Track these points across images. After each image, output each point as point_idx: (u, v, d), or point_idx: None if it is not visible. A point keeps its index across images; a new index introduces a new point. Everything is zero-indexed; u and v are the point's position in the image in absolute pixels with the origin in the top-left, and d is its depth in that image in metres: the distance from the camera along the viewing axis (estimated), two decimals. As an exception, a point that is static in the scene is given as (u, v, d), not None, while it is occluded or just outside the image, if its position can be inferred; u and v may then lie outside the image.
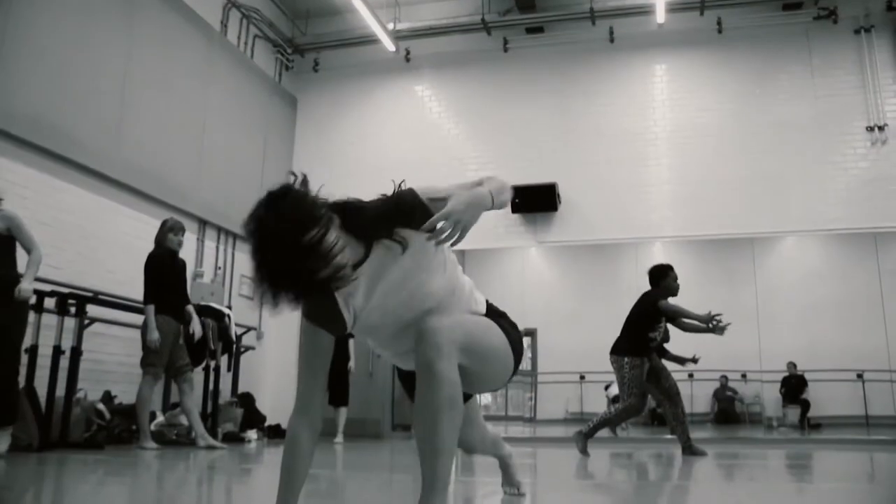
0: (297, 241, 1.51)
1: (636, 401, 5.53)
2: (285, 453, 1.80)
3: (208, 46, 8.08)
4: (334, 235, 1.58)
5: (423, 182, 1.83)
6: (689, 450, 5.46)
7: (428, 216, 1.70)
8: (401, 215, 1.76)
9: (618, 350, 5.63)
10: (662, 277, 5.74)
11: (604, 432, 6.21)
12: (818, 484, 3.98)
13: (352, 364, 7.30)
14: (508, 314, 2.07)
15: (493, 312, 2.04)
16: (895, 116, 8.10)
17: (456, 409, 1.69)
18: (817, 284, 13.32)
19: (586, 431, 5.55)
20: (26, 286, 4.47)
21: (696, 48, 8.91)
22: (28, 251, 4.55)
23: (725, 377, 13.03)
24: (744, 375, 13.23)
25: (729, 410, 13.22)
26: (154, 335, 5.39)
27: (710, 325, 5.45)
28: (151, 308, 5.45)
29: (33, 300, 4.80)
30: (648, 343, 5.60)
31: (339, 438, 7.17)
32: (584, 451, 5.47)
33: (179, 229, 5.76)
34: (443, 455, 1.69)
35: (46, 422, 4.95)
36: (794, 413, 11.99)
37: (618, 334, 5.75)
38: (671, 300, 5.66)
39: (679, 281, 5.80)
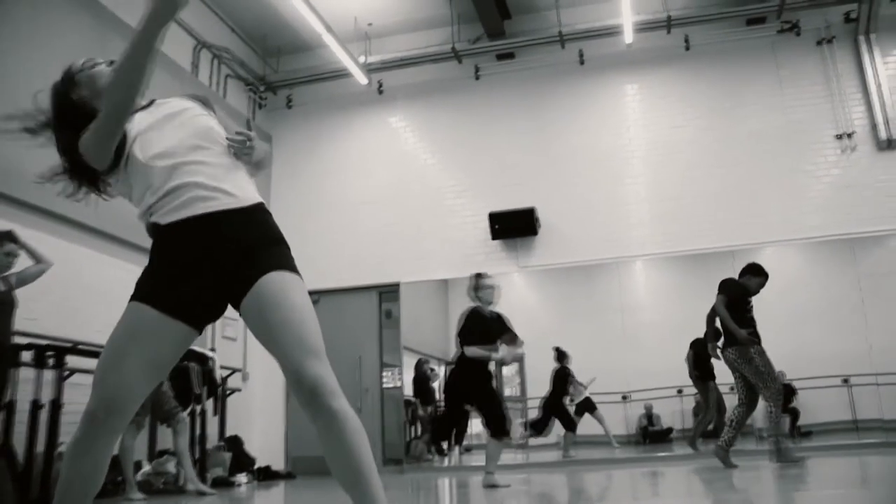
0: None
1: (778, 383, 5.47)
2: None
3: (180, 88, 8.05)
4: None
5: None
6: (726, 455, 5.41)
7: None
8: None
9: (739, 342, 5.55)
10: (751, 274, 5.70)
11: (595, 453, 6.15)
12: (814, 491, 3.95)
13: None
14: None
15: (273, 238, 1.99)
16: (862, 124, 8.23)
17: (363, 432, 1.74)
18: (799, 292, 13.34)
19: (724, 444, 5.47)
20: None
21: (666, 66, 9.01)
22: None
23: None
24: (732, 388, 13.19)
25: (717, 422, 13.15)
26: None
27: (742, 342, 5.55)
28: None
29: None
30: (752, 321, 5.53)
31: None
32: (731, 465, 5.39)
33: None
34: (373, 476, 1.72)
35: (26, 479, 4.81)
36: (784, 422, 11.96)
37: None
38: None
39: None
